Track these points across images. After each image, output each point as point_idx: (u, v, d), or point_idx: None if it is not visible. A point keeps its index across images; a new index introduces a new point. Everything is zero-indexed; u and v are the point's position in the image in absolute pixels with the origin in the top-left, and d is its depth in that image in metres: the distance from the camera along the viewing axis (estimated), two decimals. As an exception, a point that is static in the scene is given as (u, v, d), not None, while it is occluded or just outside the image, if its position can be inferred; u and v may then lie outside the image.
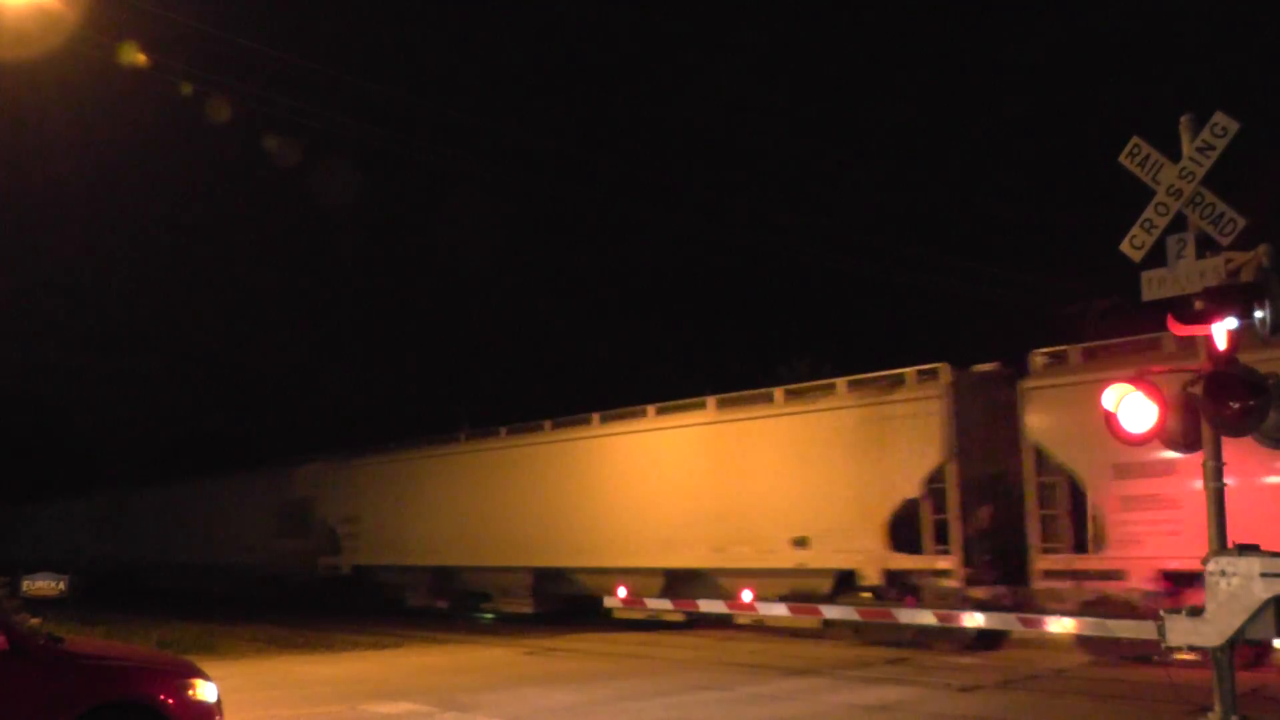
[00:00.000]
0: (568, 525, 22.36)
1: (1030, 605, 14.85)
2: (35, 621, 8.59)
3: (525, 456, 24.02)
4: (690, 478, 20.20)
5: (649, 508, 20.74)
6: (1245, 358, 8.84)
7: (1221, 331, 8.56)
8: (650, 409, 21.64)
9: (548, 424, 23.86)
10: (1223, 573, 8.32)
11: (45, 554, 41.07)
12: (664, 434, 21.07)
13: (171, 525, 39.24)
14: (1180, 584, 13.24)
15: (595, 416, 22.74)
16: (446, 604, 25.98)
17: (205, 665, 8.65)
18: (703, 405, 20.58)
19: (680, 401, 21.21)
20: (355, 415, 51.95)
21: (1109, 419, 8.93)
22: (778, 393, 19.61)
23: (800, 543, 18.07)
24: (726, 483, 19.49)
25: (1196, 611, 8.53)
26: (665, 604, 18.16)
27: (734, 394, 20.54)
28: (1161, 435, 8.88)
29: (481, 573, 24.97)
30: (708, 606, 17.63)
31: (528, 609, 23.29)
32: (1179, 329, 9.03)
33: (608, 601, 18.96)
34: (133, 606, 27.68)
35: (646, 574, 20.27)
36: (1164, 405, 8.69)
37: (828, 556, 17.69)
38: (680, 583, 19.93)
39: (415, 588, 27.07)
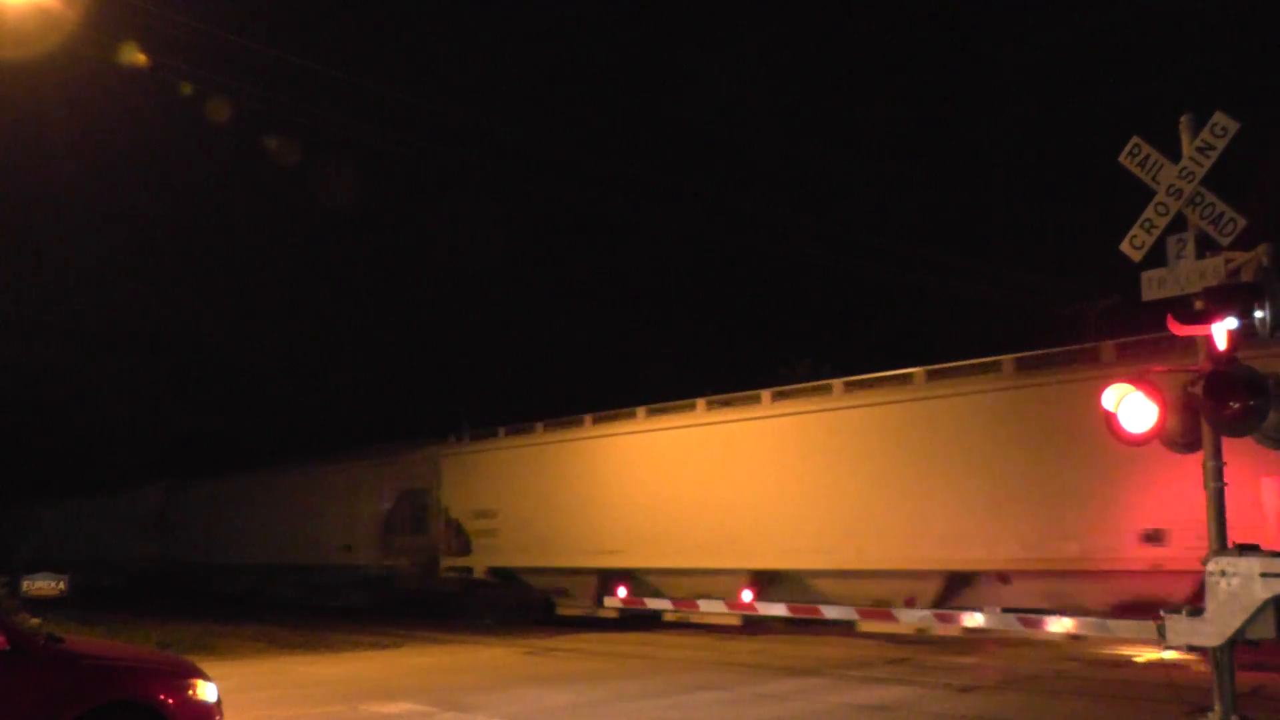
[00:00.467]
0: (796, 518, 18.18)
1: None
2: (35, 621, 8.59)
3: (734, 435, 19.67)
4: (978, 459, 16.17)
5: (916, 496, 16.82)
6: (1245, 357, 8.85)
7: (1221, 331, 8.57)
8: (918, 371, 17.34)
9: (766, 394, 19.49)
10: (1223, 573, 8.33)
11: (76, 555, 39.31)
12: (932, 404, 16.92)
13: (238, 522, 34.34)
14: None
15: (837, 384, 18.48)
16: (617, 613, 21.54)
17: (205, 665, 8.65)
18: (998, 368, 16.43)
19: (963, 363, 17.09)
20: (356, 414, 51.99)
21: (1109, 419, 8.96)
22: (1107, 348, 15.33)
23: (1153, 537, 14.36)
24: (1036, 463, 15.55)
25: (1197, 611, 8.54)
26: (665, 603, 18.08)
27: (1036, 353, 16.26)
28: (1161, 435, 8.90)
29: (671, 576, 20.45)
30: (707, 606, 17.41)
31: (734, 620, 19.05)
32: (1179, 329, 9.05)
33: (607, 601, 18.74)
34: (133, 607, 27.70)
35: (911, 577, 16.73)
36: (1164, 405, 8.70)
37: (1196, 554, 13.73)
38: (960, 589, 16.51)
39: (575, 593, 22.62)
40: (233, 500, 35.30)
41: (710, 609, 17.64)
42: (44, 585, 20.04)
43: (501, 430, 24.92)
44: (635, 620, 20.70)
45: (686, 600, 18.07)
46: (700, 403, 20.50)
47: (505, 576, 24.14)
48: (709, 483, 19.67)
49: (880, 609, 15.30)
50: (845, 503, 17.55)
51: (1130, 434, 8.81)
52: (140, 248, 69.48)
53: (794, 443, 18.58)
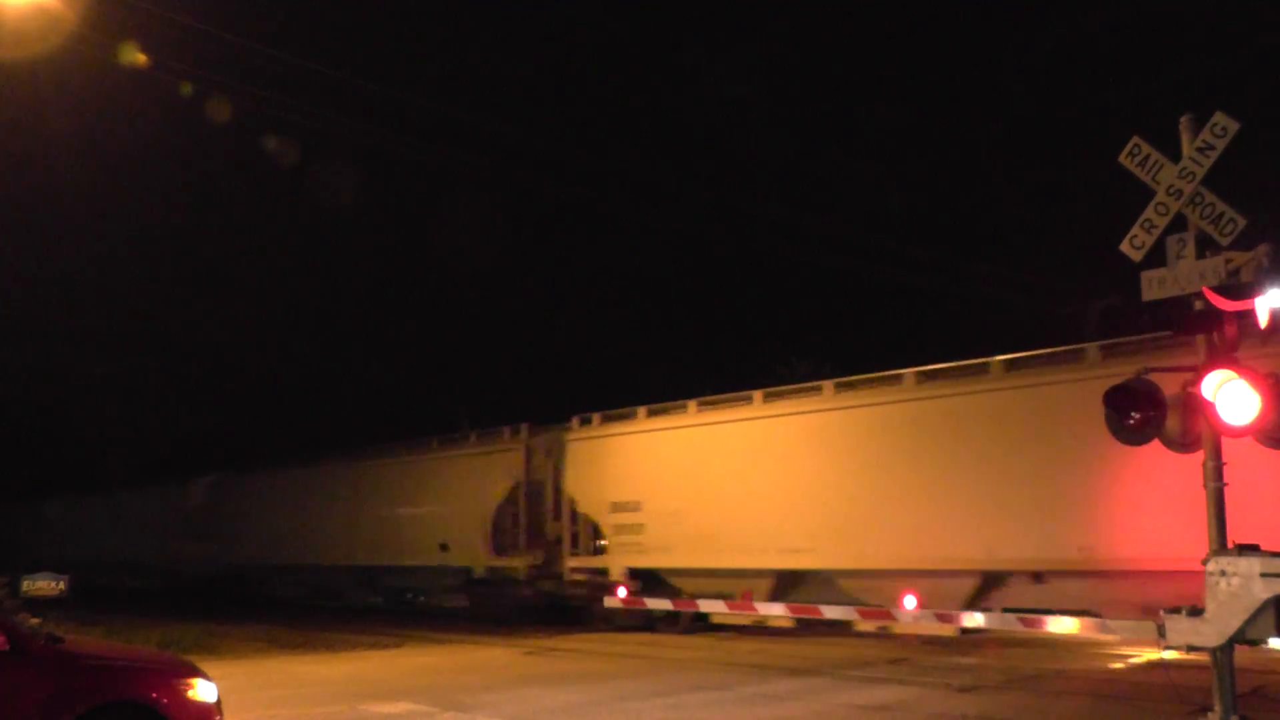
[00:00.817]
0: (1028, 508, 15.47)
1: None
2: (35, 621, 8.58)
3: (954, 411, 16.76)
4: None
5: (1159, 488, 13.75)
6: (1245, 357, 8.86)
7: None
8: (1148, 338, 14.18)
9: (995, 363, 16.73)
10: (1223, 573, 8.33)
11: (94, 556, 38.21)
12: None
13: (301, 519, 30.89)
14: None
15: (1092, 347, 15.68)
16: (792, 623, 18.70)
17: (205, 665, 8.64)
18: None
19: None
20: (355, 414, 51.99)
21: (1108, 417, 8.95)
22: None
23: None
24: None
25: (1197, 612, 8.54)
26: (665, 603, 18.05)
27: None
28: (1162, 435, 8.90)
29: (869, 579, 17.52)
30: (707, 606, 17.38)
31: (949, 631, 15.77)
32: (1179, 329, 9.05)
33: (608, 601, 18.69)
34: (133, 607, 27.70)
35: (1169, 577, 13.58)
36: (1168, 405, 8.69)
37: None
38: None
39: (740, 599, 18.70)
40: (293, 495, 31.78)
41: (710, 608, 17.56)
42: (44, 585, 19.97)
43: (642, 410, 21.92)
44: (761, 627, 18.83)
45: (686, 602, 18.03)
46: (908, 375, 17.73)
47: (647, 579, 21.12)
48: (923, 469, 16.94)
49: (880, 609, 15.29)
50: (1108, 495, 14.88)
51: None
52: (140, 248, 69.50)
53: (1031, 420, 15.83)
